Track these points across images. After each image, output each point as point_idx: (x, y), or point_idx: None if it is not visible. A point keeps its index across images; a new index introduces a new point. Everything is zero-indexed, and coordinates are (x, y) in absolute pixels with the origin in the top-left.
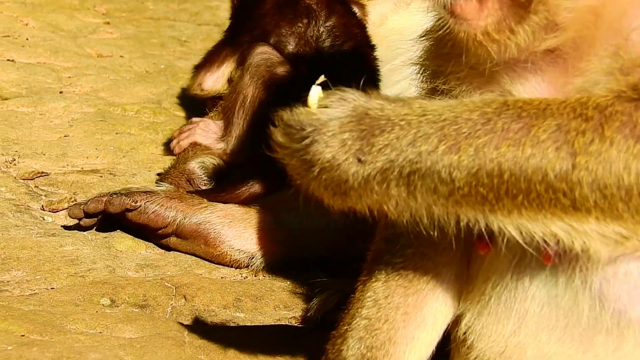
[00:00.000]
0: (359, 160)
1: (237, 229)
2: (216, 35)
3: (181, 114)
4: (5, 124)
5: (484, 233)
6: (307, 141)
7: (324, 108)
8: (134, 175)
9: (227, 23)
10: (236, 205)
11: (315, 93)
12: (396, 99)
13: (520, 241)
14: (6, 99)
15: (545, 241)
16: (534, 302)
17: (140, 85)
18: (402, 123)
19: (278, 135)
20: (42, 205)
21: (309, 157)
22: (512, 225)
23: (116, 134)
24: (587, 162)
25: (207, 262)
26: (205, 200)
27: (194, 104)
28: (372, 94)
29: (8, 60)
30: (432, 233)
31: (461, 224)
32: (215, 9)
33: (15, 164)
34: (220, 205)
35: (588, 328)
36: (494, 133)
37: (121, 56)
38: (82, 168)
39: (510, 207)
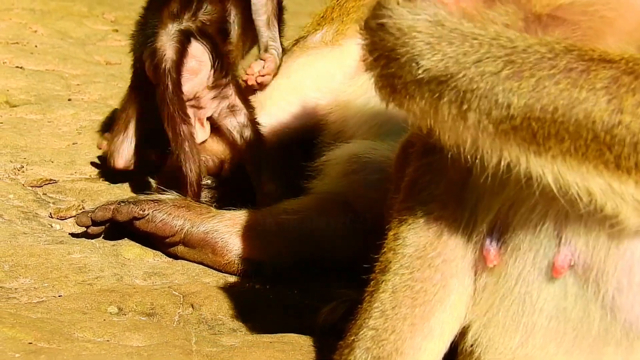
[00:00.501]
0: (417, 64)
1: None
2: None
3: None
4: (14, 131)
5: (494, 244)
6: (381, 21)
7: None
8: (141, 183)
9: None
10: (243, 213)
11: None
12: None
13: (555, 191)
14: (15, 106)
15: (578, 195)
16: (542, 314)
17: None
18: (475, 41)
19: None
20: (50, 213)
21: (378, 39)
22: (553, 172)
23: None
24: (631, 123)
25: (214, 270)
26: (212, 209)
27: None
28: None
29: (17, 67)
30: (470, 163)
31: (502, 163)
32: None
33: (23, 171)
34: (228, 214)
35: (598, 339)
36: (557, 69)
37: (129, 64)
38: (90, 175)
39: (555, 151)
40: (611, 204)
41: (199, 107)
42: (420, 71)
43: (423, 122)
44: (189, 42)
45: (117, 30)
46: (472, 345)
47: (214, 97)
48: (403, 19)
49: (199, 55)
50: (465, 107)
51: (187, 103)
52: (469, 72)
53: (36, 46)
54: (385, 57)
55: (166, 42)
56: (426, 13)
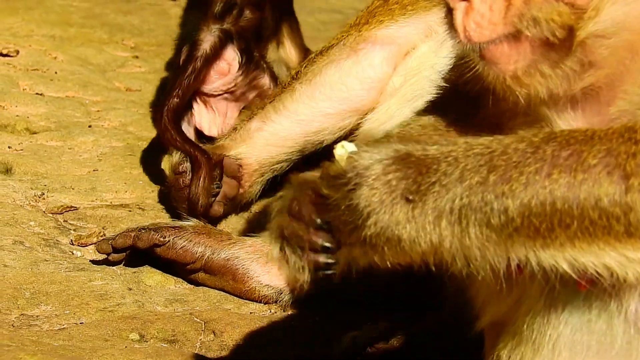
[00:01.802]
0: (407, 200)
1: (265, 264)
2: None
3: None
4: (35, 158)
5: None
6: (350, 186)
7: (364, 152)
8: (162, 209)
9: None
10: (264, 240)
11: (343, 147)
12: (436, 141)
13: (574, 275)
14: (35, 132)
15: (598, 273)
16: (567, 327)
17: None
18: (449, 159)
19: (323, 188)
20: (71, 240)
21: (354, 203)
22: (565, 259)
23: (144, 168)
24: None
25: (235, 297)
26: (233, 235)
27: None
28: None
29: (37, 94)
30: (482, 275)
31: (512, 265)
32: None
33: (44, 198)
34: (249, 240)
35: (621, 352)
36: (543, 161)
37: (150, 90)
38: (111, 202)
39: (563, 239)
40: (632, 273)
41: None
42: (411, 211)
43: (431, 257)
44: (225, 43)
45: (137, 57)
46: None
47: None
48: (372, 172)
49: (230, 59)
50: (464, 224)
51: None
52: (457, 190)
53: (56, 73)
54: (374, 213)
55: (205, 37)
56: (389, 151)
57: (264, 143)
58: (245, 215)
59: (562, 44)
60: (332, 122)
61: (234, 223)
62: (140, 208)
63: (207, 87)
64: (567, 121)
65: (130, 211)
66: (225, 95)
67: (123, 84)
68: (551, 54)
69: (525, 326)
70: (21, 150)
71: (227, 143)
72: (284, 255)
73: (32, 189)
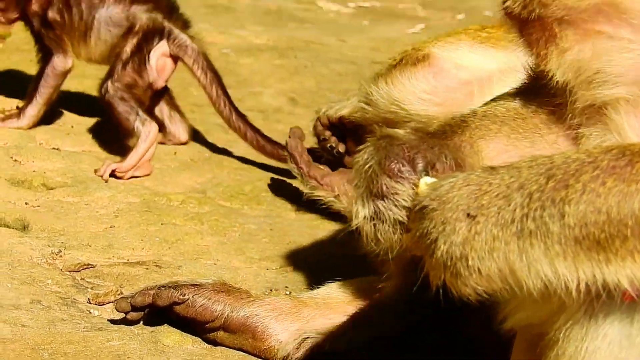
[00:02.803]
0: (469, 215)
1: (284, 322)
2: (260, 122)
3: (227, 204)
4: (51, 215)
5: None
6: (419, 209)
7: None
8: (179, 267)
9: (269, 108)
10: (283, 298)
11: (425, 184)
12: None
13: (633, 295)
14: (52, 188)
15: None
16: (606, 340)
17: (185, 174)
18: (512, 171)
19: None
20: (89, 298)
21: (424, 225)
22: (626, 275)
23: (161, 224)
24: None
25: (255, 357)
26: (252, 293)
27: (240, 194)
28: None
29: (53, 148)
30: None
31: (580, 285)
32: (258, 95)
33: (61, 256)
34: (268, 298)
35: None
36: (600, 170)
37: (166, 144)
38: (128, 260)
39: (623, 252)
40: None
41: None
42: (473, 225)
43: (499, 282)
44: None
45: None
46: None
47: None
48: (440, 196)
49: None
50: (526, 234)
51: None
52: (517, 199)
53: (72, 127)
54: (442, 235)
55: None
56: (457, 178)
57: None
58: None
59: None
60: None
61: (251, 280)
62: (157, 265)
63: None
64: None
65: (147, 269)
66: None
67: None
68: None
69: (561, 336)
70: (38, 206)
71: None
72: (378, 214)
73: (49, 246)
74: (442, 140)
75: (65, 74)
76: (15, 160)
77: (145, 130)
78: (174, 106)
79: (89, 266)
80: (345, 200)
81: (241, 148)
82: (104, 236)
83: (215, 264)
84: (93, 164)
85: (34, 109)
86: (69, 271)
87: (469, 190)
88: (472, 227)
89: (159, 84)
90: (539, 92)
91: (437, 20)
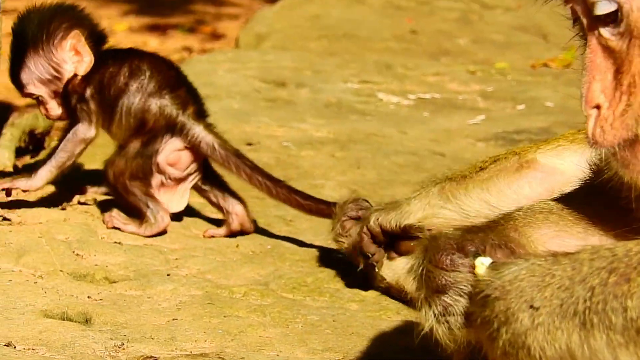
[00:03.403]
0: (532, 307)
1: None
2: None
3: (289, 295)
4: (114, 308)
5: None
6: (483, 298)
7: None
8: (242, 358)
9: (331, 200)
10: None
11: (482, 264)
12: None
13: None
14: (114, 282)
15: None
16: None
17: (247, 266)
18: (575, 263)
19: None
20: None
21: (487, 313)
22: None
23: (224, 316)
24: None
25: None
26: None
27: (302, 286)
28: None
29: (115, 242)
30: None
31: None
32: (319, 187)
33: (124, 349)
34: None
35: None
36: None
37: (227, 237)
38: (191, 352)
39: None
40: None
41: None
42: (536, 316)
43: None
44: None
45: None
46: None
47: None
48: (502, 282)
49: None
50: (588, 326)
51: None
52: (579, 293)
53: None
54: (503, 324)
55: None
56: (521, 267)
57: None
58: None
59: None
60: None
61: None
62: (220, 357)
63: None
64: None
65: None
66: None
67: (201, 230)
68: None
69: None
70: (100, 299)
71: None
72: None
73: (111, 339)
74: (486, 229)
75: (86, 142)
76: (78, 255)
77: (158, 221)
78: (234, 196)
79: (152, 358)
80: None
81: (303, 240)
82: (167, 329)
83: (278, 355)
84: (155, 258)
85: (46, 172)
86: None
87: (532, 282)
88: (534, 318)
89: (177, 174)
90: (597, 185)
91: (497, 111)
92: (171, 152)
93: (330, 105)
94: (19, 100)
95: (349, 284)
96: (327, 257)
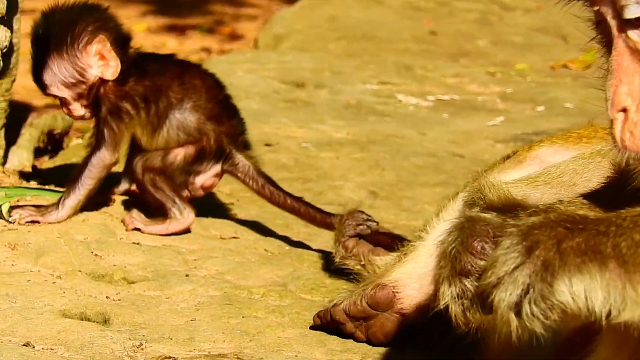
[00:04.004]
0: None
1: None
2: None
3: (308, 296)
4: (132, 308)
5: None
6: None
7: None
8: (261, 359)
9: (350, 202)
10: None
11: None
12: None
13: None
14: (132, 282)
15: None
16: None
17: (266, 267)
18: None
19: None
20: None
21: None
22: None
23: (242, 317)
24: None
25: None
26: None
27: (321, 287)
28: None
29: (134, 243)
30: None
31: None
32: (339, 189)
33: (142, 349)
34: None
35: None
36: None
37: (246, 238)
38: (209, 352)
39: None
40: None
41: None
42: None
43: None
44: None
45: (232, 204)
46: None
47: None
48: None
49: None
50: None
51: None
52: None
53: None
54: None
55: None
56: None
57: None
58: None
59: None
60: None
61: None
62: (238, 358)
63: None
64: None
65: None
66: None
67: (219, 231)
68: None
69: None
70: (119, 300)
71: None
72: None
73: (130, 339)
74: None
75: (109, 168)
76: (96, 255)
77: (185, 217)
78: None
79: (171, 359)
80: (369, 268)
81: (321, 241)
82: (185, 329)
83: (296, 356)
84: (173, 258)
85: (73, 201)
86: None
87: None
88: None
89: (201, 194)
90: (626, 189)
91: (516, 112)
92: (210, 177)
93: (350, 107)
94: (38, 101)
95: None
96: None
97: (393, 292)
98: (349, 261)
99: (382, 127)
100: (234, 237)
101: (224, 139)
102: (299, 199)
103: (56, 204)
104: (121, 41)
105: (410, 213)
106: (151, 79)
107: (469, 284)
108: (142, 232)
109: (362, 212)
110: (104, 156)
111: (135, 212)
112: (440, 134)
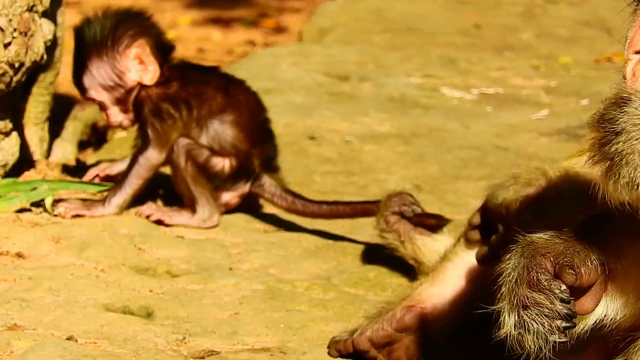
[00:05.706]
0: None
1: None
2: None
3: (351, 290)
4: (176, 302)
5: None
6: None
7: None
8: (304, 353)
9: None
10: None
11: None
12: None
13: None
14: (176, 276)
15: None
16: None
17: (309, 261)
18: None
19: None
20: None
21: None
22: None
23: (286, 311)
24: None
25: None
26: None
27: (364, 280)
28: None
29: (177, 236)
30: None
31: None
32: (382, 182)
33: (185, 343)
34: None
35: None
36: None
37: (289, 231)
38: (253, 346)
39: None
40: None
41: None
42: None
43: None
44: None
45: None
46: None
47: None
48: None
49: None
50: None
51: None
52: None
53: None
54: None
55: None
56: None
57: None
58: None
59: None
60: None
61: None
62: (282, 352)
63: None
64: None
65: (272, 355)
66: None
67: (263, 225)
68: None
69: None
70: (162, 293)
71: None
72: (522, 324)
73: (173, 333)
74: (590, 242)
75: (157, 167)
76: (140, 249)
77: (209, 222)
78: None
79: (214, 353)
80: (408, 247)
81: (364, 234)
82: (229, 323)
83: None
84: (217, 252)
85: (121, 199)
86: (194, 358)
87: None
88: None
89: (220, 210)
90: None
91: (561, 106)
92: (236, 196)
93: (393, 100)
94: None
95: (412, 279)
96: (389, 253)
97: (421, 313)
98: (388, 235)
99: (425, 120)
100: (278, 231)
101: (255, 161)
102: (334, 202)
103: (102, 201)
104: (162, 48)
105: (453, 207)
106: (195, 86)
107: (527, 315)
108: (165, 224)
109: (410, 195)
110: (150, 155)
111: (158, 204)
112: (484, 127)
